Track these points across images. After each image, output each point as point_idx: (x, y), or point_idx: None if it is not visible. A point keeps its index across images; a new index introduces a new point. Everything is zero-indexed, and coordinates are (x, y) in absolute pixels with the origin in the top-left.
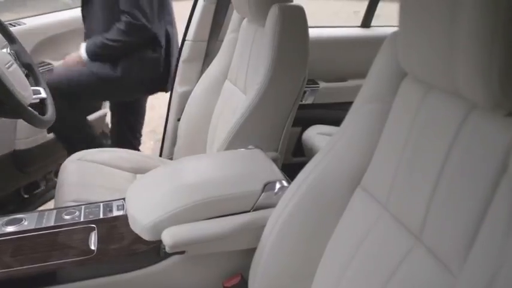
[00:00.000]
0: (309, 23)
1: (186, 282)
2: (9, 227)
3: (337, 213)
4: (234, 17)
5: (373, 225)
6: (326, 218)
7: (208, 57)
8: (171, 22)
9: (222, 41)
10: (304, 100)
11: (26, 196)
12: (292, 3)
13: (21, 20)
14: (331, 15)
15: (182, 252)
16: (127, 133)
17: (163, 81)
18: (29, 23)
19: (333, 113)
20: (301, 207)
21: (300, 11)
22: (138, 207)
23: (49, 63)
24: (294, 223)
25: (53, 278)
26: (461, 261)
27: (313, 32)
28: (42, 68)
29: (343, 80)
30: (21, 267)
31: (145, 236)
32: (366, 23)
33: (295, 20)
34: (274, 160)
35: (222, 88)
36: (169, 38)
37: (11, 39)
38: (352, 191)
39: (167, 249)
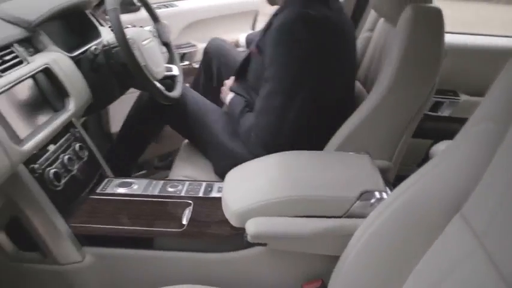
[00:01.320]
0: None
1: (266, 275)
2: (120, 188)
3: (429, 237)
4: (371, 15)
5: (465, 258)
6: (416, 238)
7: None
8: None
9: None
10: (440, 112)
11: (158, 164)
12: (429, 5)
13: (174, 2)
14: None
15: (264, 245)
16: None
17: None
18: (181, 6)
19: None
20: (392, 222)
21: (436, 14)
22: (232, 193)
23: (193, 45)
24: (382, 238)
25: (150, 243)
26: None
27: (458, 39)
28: (186, 47)
29: None
30: (123, 227)
31: (232, 221)
32: None
33: (430, 22)
34: (385, 170)
35: None
36: None
37: (154, 18)
38: (450, 217)
39: (249, 238)
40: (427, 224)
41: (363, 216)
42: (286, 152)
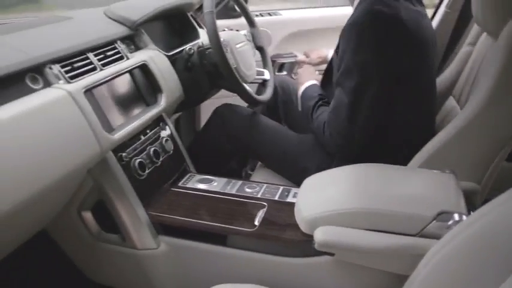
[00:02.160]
0: None
1: (330, 286)
2: (200, 184)
3: (506, 268)
4: (474, 28)
5: None
6: (492, 268)
7: (441, 67)
8: None
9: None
10: None
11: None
12: None
13: (278, 11)
14: None
15: (331, 255)
16: None
17: None
18: (285, 15)
19: None
20: (468, 247)
21: None
22: (305, 199)
23: (295, 55)
24: (455, 262)
25: (222, 239)
26: None
27: None
28: (287, 57)
29: None
30: (198, 221)
31: (302, 227)
32: None
33: None
34: (471, 192)
35: (443, 103)
36: None
37: (250, 22)
38: None
39: (316, 246)
40: (506, 254)
41: (437, 237)
42: (367, 163)
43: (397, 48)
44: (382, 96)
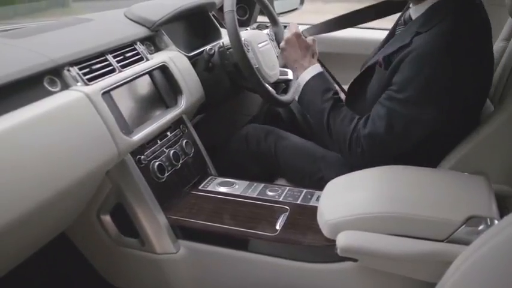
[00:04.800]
0: None
1: None
2: (221, 187)
3: None
4: (508, 23)
5: None
6: None
7: None
8: None
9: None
10: None
11: None
12: None
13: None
14: None
15: (355, 261)
16: None
17: None
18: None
19: None
20: (499, 254)
21: None
22: (328, 202)
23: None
24: (484, 270)
25: (244, 244)
26: None
27: None
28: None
29: None
30: (218, 225)
31: (325, 232)
32: None
33: None
34: (505, 196)
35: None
36: None
37: (273, 21)
38: None
39: (338, 251)
40: None
41: (467, 243)
42: (392, 166)
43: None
44: (445, 112)
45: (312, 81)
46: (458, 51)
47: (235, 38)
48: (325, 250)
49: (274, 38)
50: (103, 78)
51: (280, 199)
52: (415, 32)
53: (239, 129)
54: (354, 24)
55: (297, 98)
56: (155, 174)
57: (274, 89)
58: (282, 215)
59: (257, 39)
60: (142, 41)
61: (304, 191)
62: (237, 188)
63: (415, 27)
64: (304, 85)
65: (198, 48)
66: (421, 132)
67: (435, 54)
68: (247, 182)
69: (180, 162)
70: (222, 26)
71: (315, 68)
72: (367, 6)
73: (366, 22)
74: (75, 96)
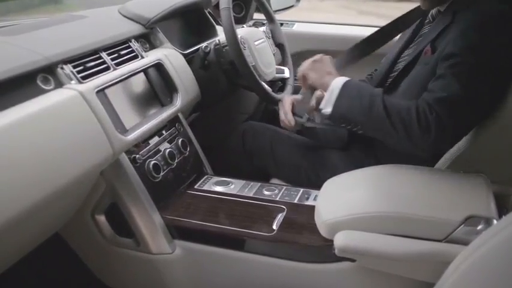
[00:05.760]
0: None
1: None
2: (218, 186)
3: None
4: None
5: None
6: None
7: None
8: None
9: None
10: None
11: None
12: None
13: (292, 22)
14: None
15: (352, 261)
16: None
17: None
18: (297, 28)
19: None
20: (498, 254)
21: None
22: (325, 202)
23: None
24: (483, 270)
25: (240, 244)
26: None
27: None
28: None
29: None
30: (214, 225)
31: (322, 232)
32: None
33: None
34: (504, 196)
35: None
36: None
37: (269, 18)
38: None
39: (336, 251)
40: None
41: (466, 243)
42: (391, 165)
43: None
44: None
45: (349, 82)
46: (506, 26)
47: (231, 35)
48: (322, 250)
49: (270, 35)
50: (97, 76)
51: (277, 198)
52: (452, 11)
53: (235, 128)
54: (381, 45)
55: (329, 110)
56: (150, 173)
57: (271, 87)
58: (279, 215)
59: (253, 37)
60: (137, 38)
61: (301, 190)
62: (233, 187)
63: (450, 11)
64: (342, 87)
65: (194, 46)
66: (488, 99)
67: (491, 22)
68: (244, 181)
69: (176, 161)
70: (218, 24)
71: (341, 78)
72: (388, 23)
73: (392, 38)
74: (69, 94)
